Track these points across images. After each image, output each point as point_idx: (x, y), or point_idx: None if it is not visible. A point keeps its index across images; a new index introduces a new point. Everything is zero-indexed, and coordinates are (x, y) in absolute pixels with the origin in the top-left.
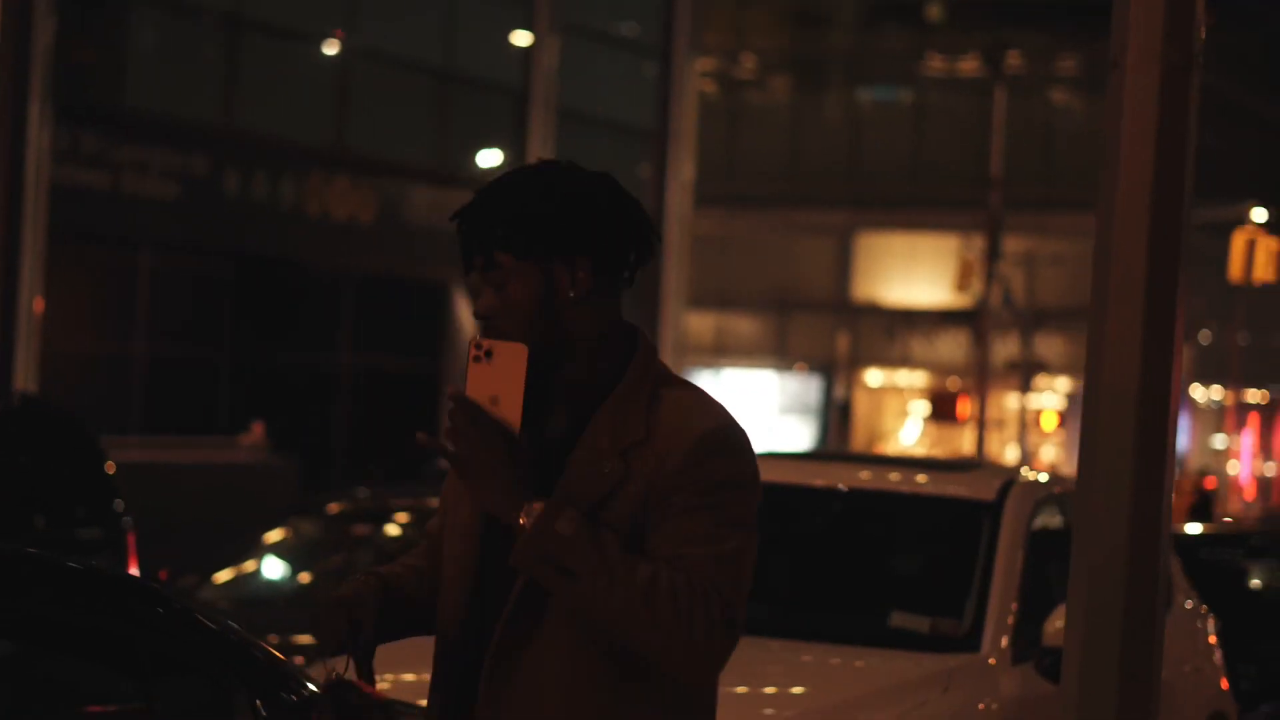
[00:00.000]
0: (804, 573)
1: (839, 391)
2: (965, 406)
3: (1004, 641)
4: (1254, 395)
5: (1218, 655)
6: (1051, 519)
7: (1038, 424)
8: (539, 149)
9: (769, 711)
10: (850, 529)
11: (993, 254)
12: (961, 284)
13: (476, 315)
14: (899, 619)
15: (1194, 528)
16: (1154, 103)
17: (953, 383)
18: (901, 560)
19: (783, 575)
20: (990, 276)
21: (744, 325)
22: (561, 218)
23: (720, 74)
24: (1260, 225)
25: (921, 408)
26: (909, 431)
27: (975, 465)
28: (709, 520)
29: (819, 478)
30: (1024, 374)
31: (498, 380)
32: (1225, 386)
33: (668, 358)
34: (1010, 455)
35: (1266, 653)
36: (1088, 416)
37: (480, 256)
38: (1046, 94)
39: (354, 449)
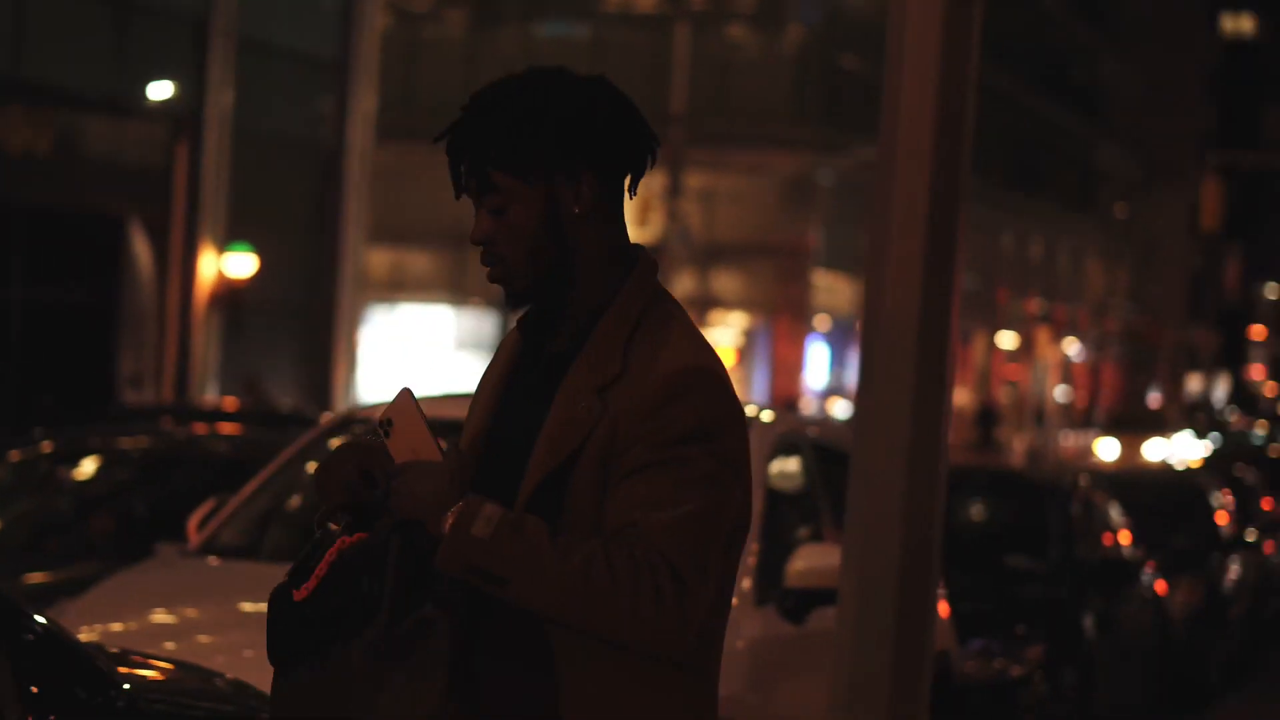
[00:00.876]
0: None
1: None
2: None
3: (746, 583)
4: None
5: (940, 594)
6: (788, 459)
7: None
8: (219, 79)
9: None
10: None
11: (674, 190)
12: (641, 220)
13: (474, 241)
14: None
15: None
16: (936, 39)
17: None
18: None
19: None
20: (671, 213)
21: (420, 261)
22: (562, 129)
23: (397, 6)
24: None
25: None
26: None
27: None
28: (666, 480)
29: None
30: (701, 310)
31: (407, 437)
32: None
33: (347, 293)
34: None
35: (979, 590)
36: (866, 355)
37: (473, 179)
38: (724, 30)
39: (25, 384)
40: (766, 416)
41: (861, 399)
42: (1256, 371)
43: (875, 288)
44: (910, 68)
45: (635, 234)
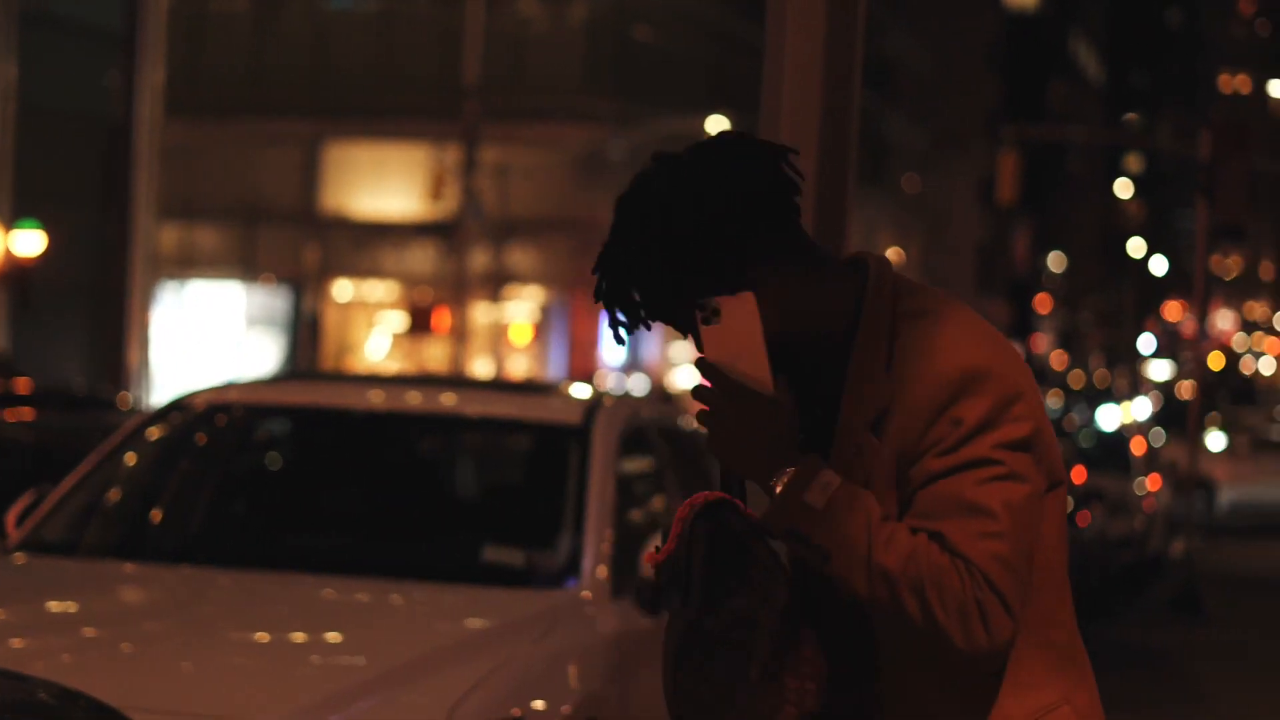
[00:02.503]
0: (384, 504)
1: (308, 304)
2: (441, 319)
3: (603, 574)
4: None
5: None
6: (638, 442)
7: (508, 336)
8: (0, 52)
9: (349, 662)
10: (427, 456)
11: (468, 165)
12: (434, 195)
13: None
14: (492, 553)
15: None
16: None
17: (423, 294)
18: (489, 490)
19: (360, 507)
20: (464, 187)
21: (210, 237)
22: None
23: None
24: None
25: (393, 320)
26: (378, 345)
27: (551, 388)
28: (967, 483)
29: (393, 401)
30: (495, 286)
31: (733, 337)
32: None
33: (138, 271)
34: (482, 368)
35: None
36: None
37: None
38: (515, 3)
39: None
40: (612, 399)
41: None
42: (1039, 342)
43: None
44: (793, 47)
45: (427, 210)
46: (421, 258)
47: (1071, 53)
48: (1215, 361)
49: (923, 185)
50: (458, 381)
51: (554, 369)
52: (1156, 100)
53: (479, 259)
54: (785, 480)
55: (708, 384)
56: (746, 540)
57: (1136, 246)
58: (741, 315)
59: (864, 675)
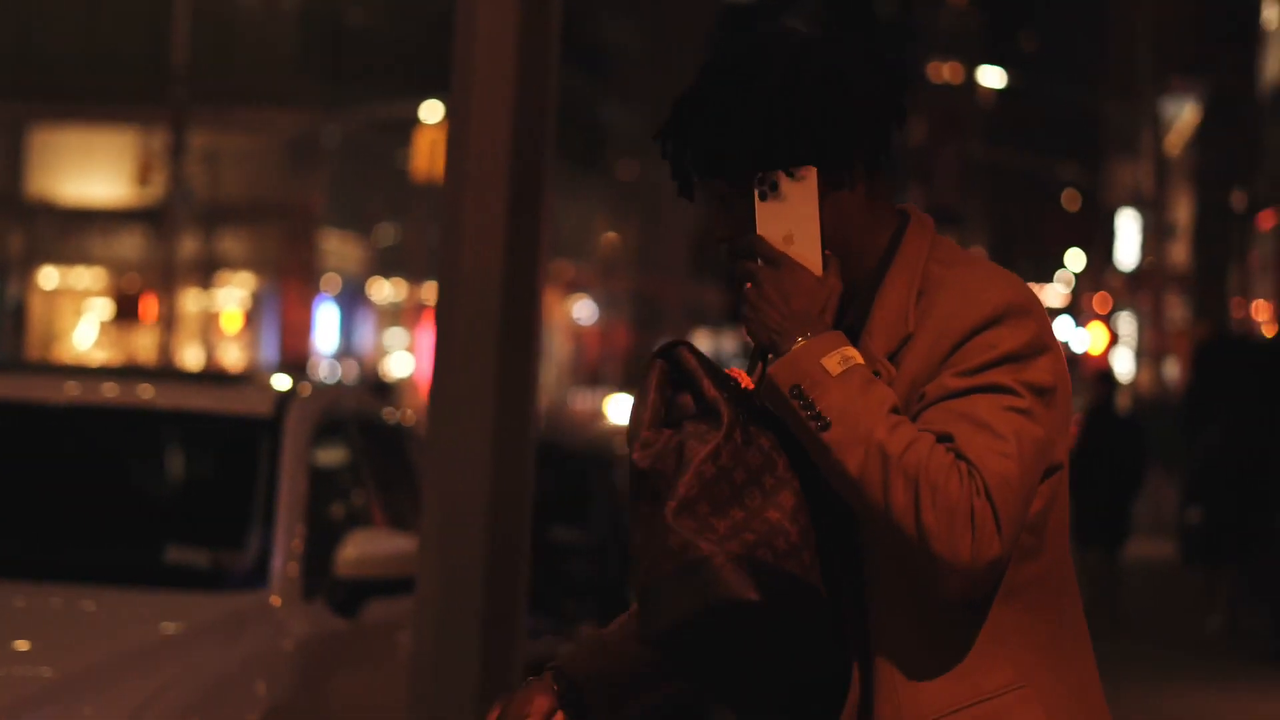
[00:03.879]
0: (58, 503)
1: (12, 292)
2: (149, 306)
3: (294, 574)
4: (433, 292)
5: None
6: (333, 435)
7: (218, 324)
8: None
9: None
10: (109, 451)
11: (176, 149)
12: (142, 180)
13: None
14: (175, 553)
15: None
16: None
17: (132, 282)
18: (173, 486)
19: (30, 506)
20: (174, 173)
21: None
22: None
23: None
24: (443, 124)
25: (101, 308)
26: (85, 333)
27: (247, 379)
28: (983, 404)
29: (69, 393)
30: (206, 273)
31: (789, 215)
32: (406, 283)
33: None
34: (192, 357)
35: None
36: (443, 332)
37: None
38: None
39: None
40: (307, 390)
41: (439, 380)
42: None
43: (451, 256)
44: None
45: (135, 195)
46: (130, 244)
47: None
48: None
49: (640, 171)
50: (147, 373)
51: (266, 357)
52: None
53: (189, 245)
54: (805, 341)
55: (755, 264)
56: (696, 376)
57: None
58: (801, 194)
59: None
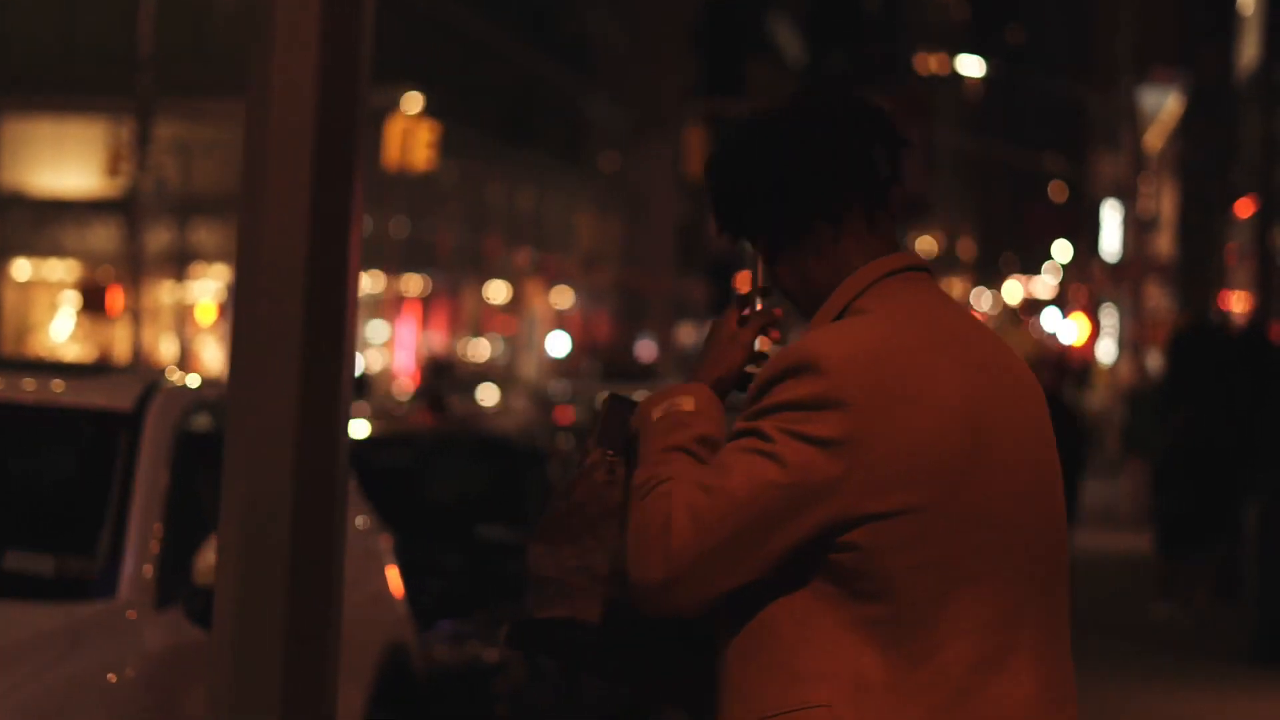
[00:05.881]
0: None
1: None
2: (117, 299)
3: (146, 581)
4: (413, 283)
5: (396, 577)
6: (203, 432)
7: (194, 317)
8: None
9: None
10: None
11: (144, 140)
12: (112, 171)
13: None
14: (14, 559)
15: (360, 430)
16: None
17: (104, 274)
18: (17, 485)
19: None
20: (142, 164)
21: None
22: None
23: None
24: (416, 115)
25: (73, 301)
26: (60, 326)
27: (107, 369)
28: (733, 447)
29: None
30: (179, 265)
31: (761, 272)
32: (384, 274)
33: None
34: (167, 350)
35: (450, 566)
36: (241, 317)
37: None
38: None
39: None
40: (173, 385)
41: (236, 379)
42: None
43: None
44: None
45: (105, 187)
46: (103, 236)
47: (770, 32)
48: None
49: (622, 164)
50: (6, 364)
51: None
52: (857, 82)
53: (162, 237)
54: (678, 393)
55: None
56: (595, 422)
57: None
58: (761, 256)
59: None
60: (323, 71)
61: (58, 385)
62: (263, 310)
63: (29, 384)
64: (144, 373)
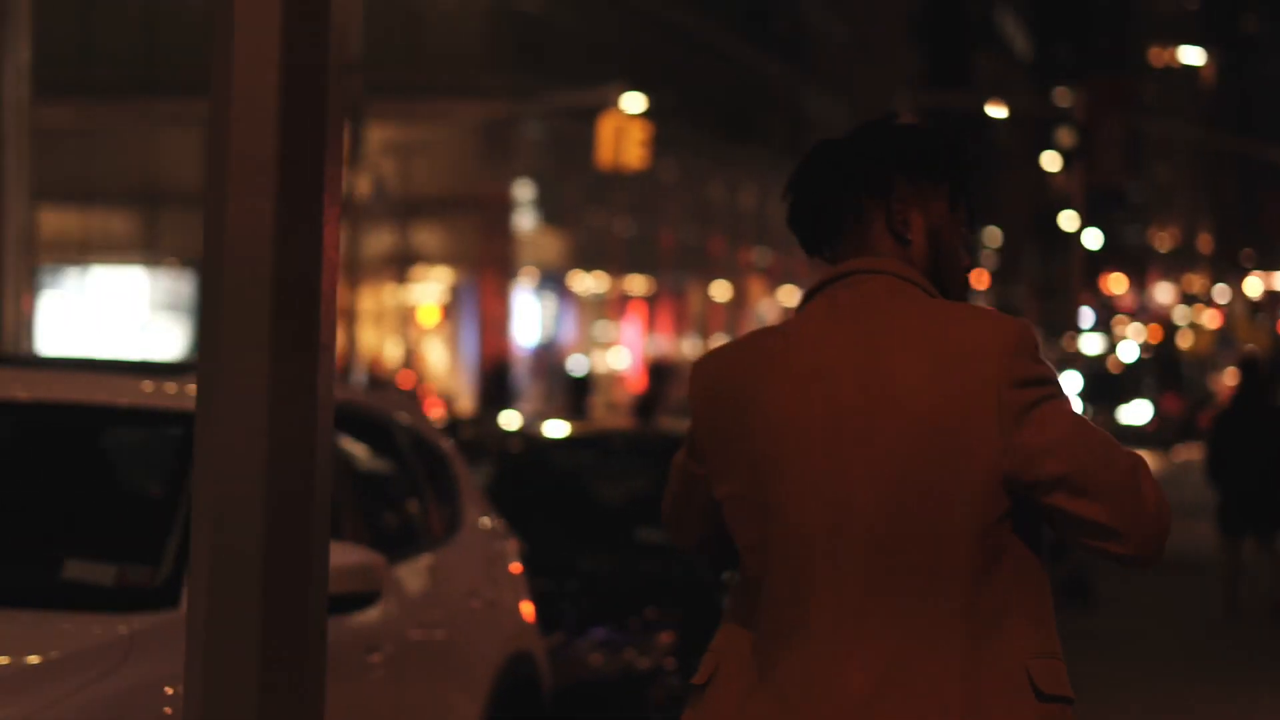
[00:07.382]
0: None
1: None
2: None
3: None
4: (637, 284)
5: (520, 583)
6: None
7: (416, 319)
8: None
9: None
10: (23, 451)
11: (356, 142)
12: None
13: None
14: (74, 569)
15: (557, 431)
16: None
17: None
18: (85, 491)
19: None
20: (357, 166)
21: (110, 221)
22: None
23: None
24: (635, 114)
25: None
26: None
27: (185, 368)
28: None
29: None
30: (402, 267)
31: None
32: (608, 275)
33: (10, 257)
34: (392, 352)
35: (604, 570)
36: (208, 311)
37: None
38: None
39: None
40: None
41: (204, 367)
42: None
43: (215, 224)
44: None
45: None
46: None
47: (997, 24)
48: (1154, 335)
49: None
50: (56, 363)
51: (466, 351)
52: (1084, 73)
53: (383, 239)
54: None
55: None
56: None
57: (1069, 219)
58: None
59: None
60: (286, 67)
61: (127, 386)
62: (229, 308)
63: (94, 384)
64: None
